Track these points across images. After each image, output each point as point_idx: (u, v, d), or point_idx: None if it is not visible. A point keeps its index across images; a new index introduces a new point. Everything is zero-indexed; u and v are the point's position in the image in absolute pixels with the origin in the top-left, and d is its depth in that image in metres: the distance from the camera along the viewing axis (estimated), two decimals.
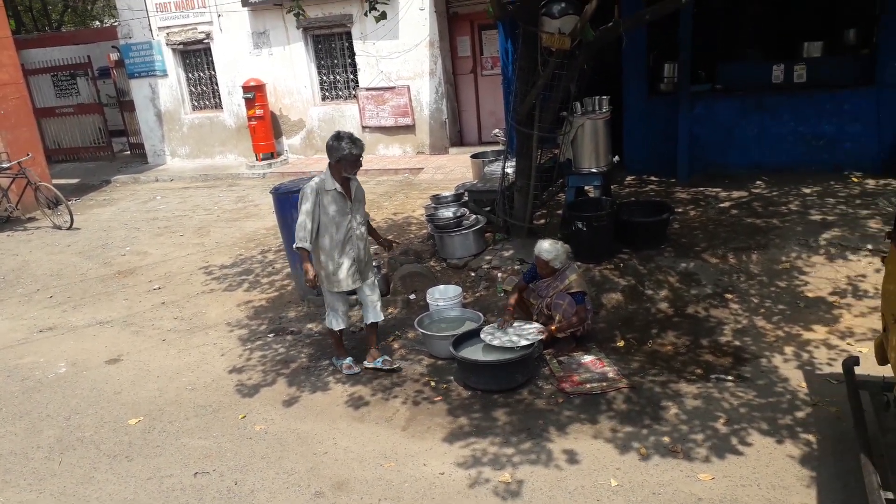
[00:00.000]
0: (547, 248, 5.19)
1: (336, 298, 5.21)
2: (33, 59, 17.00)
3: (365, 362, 5.31)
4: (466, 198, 7.64)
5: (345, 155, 4.81)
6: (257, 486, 4.05)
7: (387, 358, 5.30)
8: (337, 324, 5.26)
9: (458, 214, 7.00)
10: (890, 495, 2.94)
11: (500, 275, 6.42)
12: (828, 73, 8.60)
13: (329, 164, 4.92)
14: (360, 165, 4.97)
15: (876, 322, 5.06)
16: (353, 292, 5.37)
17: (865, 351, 4.67)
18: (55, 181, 12.64)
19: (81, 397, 5.36)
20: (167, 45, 14.56)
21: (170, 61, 14.71)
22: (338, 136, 4.86)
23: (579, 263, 5.85)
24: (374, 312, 5.32)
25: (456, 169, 11.46)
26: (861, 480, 3.14)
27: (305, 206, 4.87)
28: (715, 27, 9.71)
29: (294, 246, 4.94)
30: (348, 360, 5.32)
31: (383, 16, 7.09)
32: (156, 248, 9.20)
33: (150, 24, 14.48)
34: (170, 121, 15.21)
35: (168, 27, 14.39)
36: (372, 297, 5.29)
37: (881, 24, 8.08)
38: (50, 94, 17.38)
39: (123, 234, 10.10)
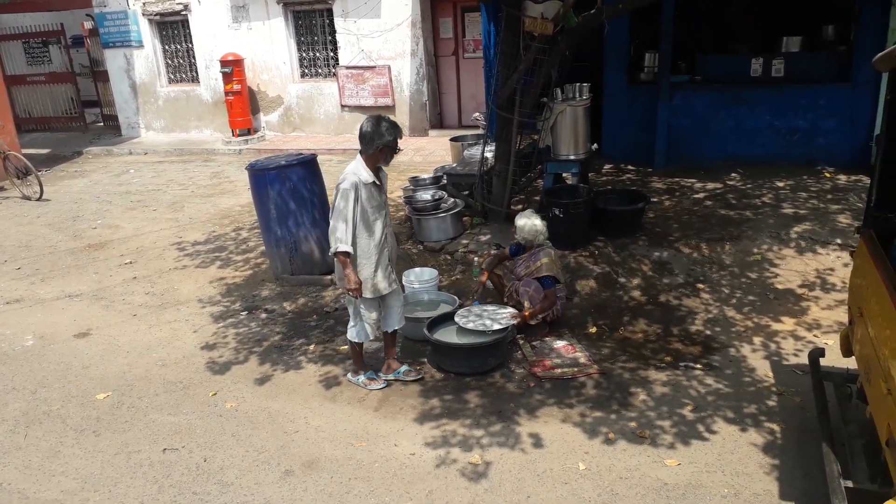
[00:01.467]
0: (520, 223, 5.32)
1: (371, 305, 4.60)
2: (4, 24, 16.53)
3: (381, 373, 4.86)
4: (445, 181, 7.63)
5: (388, 142, 4.31)
6: (226, 463, 4.03)
7: (408, 368, 4.88)
8: (367, 335, 4.69)
9: (437, 197, 6.99)
10: (850, 484, 3.02)
11: (476, 259, 6.43)
12: (805, 69, 8.71)
13: (361, 154, 4.37)
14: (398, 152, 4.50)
15: (842, 315, 5.17)
16: None
17: (831, 343, 4.77)
18: (25, 151, 12.36)
19: (48, 371, 5.29)
20: (143, 15, 14.24)
21: (146, 32, 14.40)
22: (377, 122, 4.33)
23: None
24: (399, 318, 4.82)
25: (435, 151, 11.42)
26: (822, 469, 3.21)
27: (345, 204, 4.26)
28: (697, 19, 9.75)
29: (333, 251, 4.33)
30: (370, 374, 4.82)
31: None
32: (128, 222, 9.06)
33: None
34: (145, 93, 14.93)
35: None
36: (397, 302, 4.79)
37: (859, 23, 8.18)
38: (21, 61, 16.94)
39: (95, 207, 9.93)
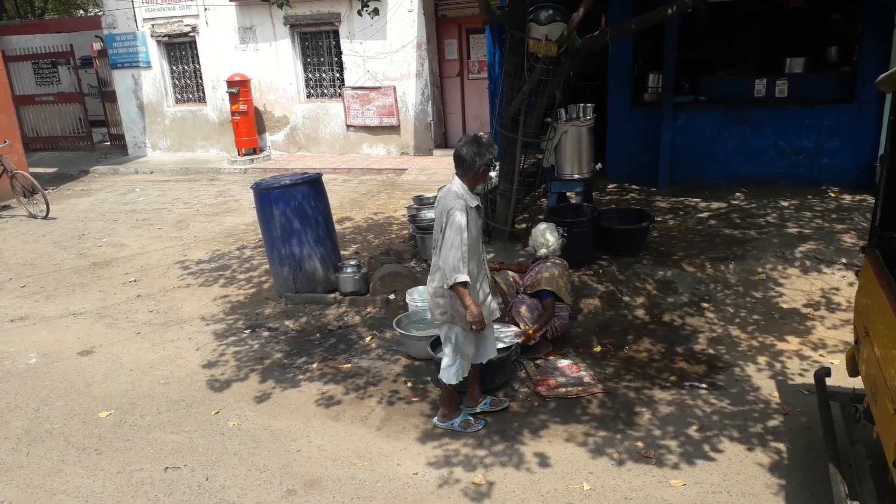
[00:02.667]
0: (532, 232, 5.45)
1: (471, 339, 4.21)
2: (14, 45, 16.76)
3: (464, 406, 4.53)
4: None
5: (488, 161, 4.03)
6: (229, 482, 4.01)
7: (494, 398, 4.61)
8: (464, 374, 4.28)
9: None
10: None
11: None
12: (809, 89, 8.74)
13: (460, 176, 4.07)
14: None
15: (848, 334, 5.14)
16: None
17: (837, 362, 4.73)
18: (32, 170, 12.45)
19: (51, 389, 5.28)
20: (152, 36, 14.42)
21: (154, 53, 14.58)
22: (477, 142, 4.02)
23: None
24: (493, 347, 4.48)
25: (440, 171, 11.46)
26: (829, 490, 3.18)
27: (459, 231, 3.90)
28: (700, 40, 9.83)
29: (451, 283, 3.92)
30: (464, 416, 4.42)
31: (376, 12, 7.09)
32: (133, 241, 9.10)
33: (134, 15, 14.34)
34: (152, 113, 15.07)
35: (153, 19, 14.26)
36: (491, 331, 4.45)
37: (862, 43, 8.22)
38: (30, 81, 17.15)
39: (100, 226, 9.98)
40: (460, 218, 3.91)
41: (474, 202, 4.06)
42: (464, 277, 3.89)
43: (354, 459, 4.14)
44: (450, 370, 4.24)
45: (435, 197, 7.70)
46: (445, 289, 4.03)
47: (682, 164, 9.08)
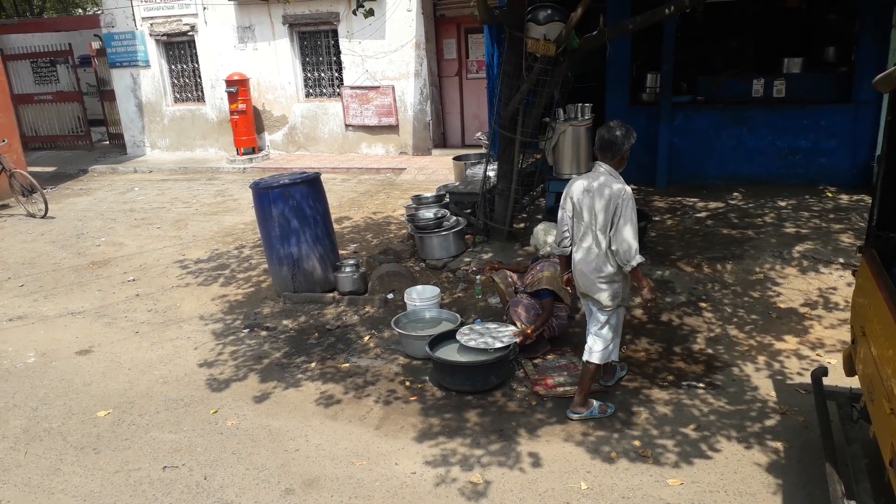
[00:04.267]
0: (535, 231, 5.44)
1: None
2: (13, 44, 16.75)
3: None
4: (447, 199, 7.66)
5: (631, 145, 4.13)
6: (227, 481, 4.01)
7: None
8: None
9: (439, 216, 7.01)
10: None
11: (478, 277, 6.43)
12: (807, 89, 8.76)
13: (607, 161, 4.13)
14: None
15: (845, 334, 5.16)
16: None
17: (834, 362, 4.75)
18: (31, 169, 12.45)
19: (50, 388, 5.28)
20: (150, 35, 14.42)
21: (153, 52, 14.57)
22: (621, 127, 4.11)
23: None
24: None
25: (438, 170, 11.47)
26: (826, 489, 3.19)
27: (633, 214, 4.01)
28: (698, 40, 9.84)
29: (633, 264, 4.01)
30: (598, 402, 4.48)
31: (371, 13, 7.09)
32: (132, 240, 9.10)
33: (133, 14, 14.34)
34: (151, 112, 15.06)
35: (152, 18, 14.26)
36: None
37: (859, 43, 8.24)
38: (29, 80, 17.12)
39: (99, 225, 9.98)
40: (632, 199, 4.02)
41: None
42: (641, 259, 4.03)
43: (352, 458, 4.15)
44: (609, 348, 4.32)
45: (433, 196, 7.75)
46: (620, 272, 4.12)
47: (679, 164, 9.09)
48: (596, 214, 4.09)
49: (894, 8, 7.79)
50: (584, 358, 4.36)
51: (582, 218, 4.17)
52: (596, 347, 4.31)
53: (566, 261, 4.45)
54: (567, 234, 4.31)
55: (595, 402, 4.44)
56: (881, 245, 3.61)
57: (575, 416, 4.39)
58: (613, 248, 4.06)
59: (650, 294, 4.15)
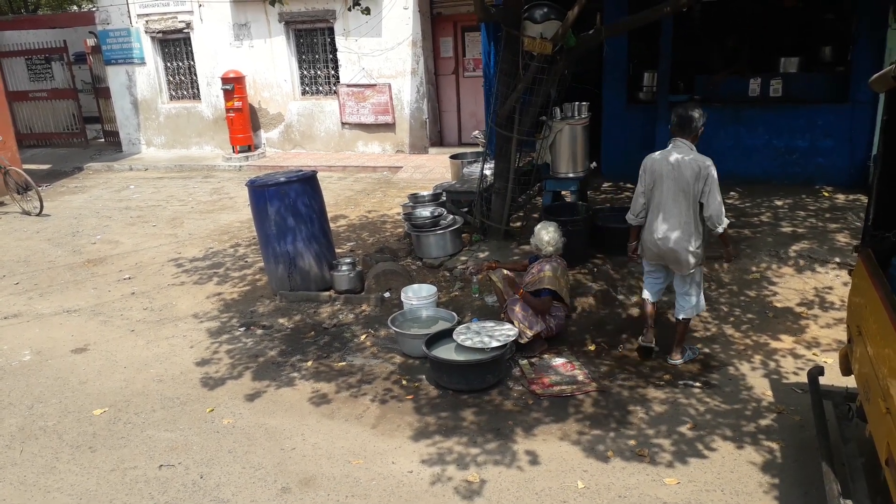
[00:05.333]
0: (535, 230, 5.46)
1: None
2: (7, 41, 16.67)
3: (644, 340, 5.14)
4: (444, 198, 7.65)
5: (705, 122, 4.68)
6: (223, 480, 4.01)
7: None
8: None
9: (436, 214, 7.01)
10: (850, 503, 3.00)
11: (475, 277, 6.42)
12: (803, 89, 8.77)
13: (685, 136, 4.63)
14: None
15: (841, 333, 5.17)
16: None
17: (830, 361, 4.76)
18: (26, 166, 12.39)
19: (45, 386, 5.26)
20: (146, 32, 14.36)
21: (148, 49, 14.52)
22: (697, 107, 4.68)
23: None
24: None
25: (435, 169, 11.46)
26: (822, 488, 3.19)
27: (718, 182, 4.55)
28: (695, 39, 9.83)
29: (724, 226, 4.58)
30: (689, 346, 5.15)
31: (367, 11, 7.07)
32: (127, 238, 9.07)
33: (128, 11, 14.28)
34: (146, 109, 15.01)
35: (147, 15, 14.20)
36: None
37: (856, 43, 8.25)
38: (23, 77, 17.04)
39: (95, 223, 9.95)
40: (715, 171, 4.52)
41: None
42: (727, 221, 4.61)
43: (349, 457, 4.15)
44: (699, 305, 4.95)
45: (430, 194, 7.74)
46: (703, 236, 4.69)
47: None
48: (688, 183, 4.55)
49: (891, 8, 7.80)
50: (678, 316, 5.00)
51: (665, 189, 4.63)
52: (686, 304, 4.92)
53: (637, 231, 4.97)
54: (643, 207, 4.80)
55: (687, 348, 5.10)
56: (877, 244, 3.61)
57: (677, 361, 5.01)
58: (706, 214, 4.56)
59: (734, 251, 5.09)
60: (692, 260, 4.67)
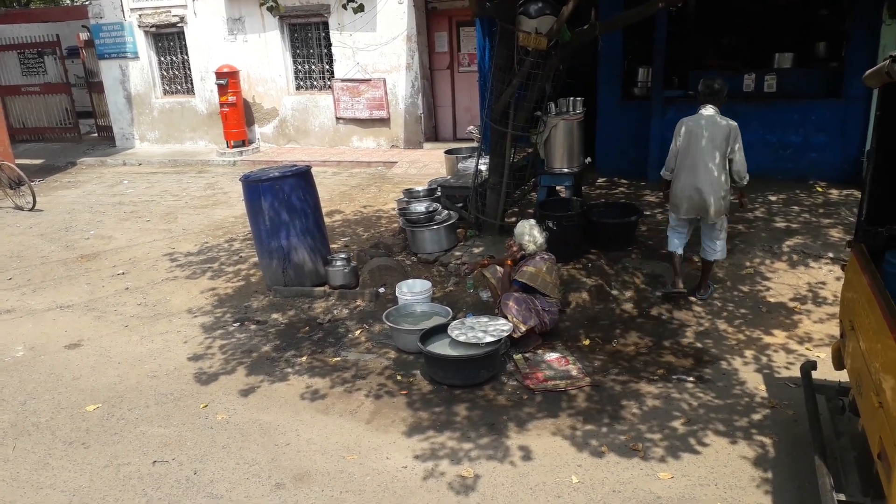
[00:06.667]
0: (517, 229, 5.50)
1: None
2: None
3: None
4: (439, 193, 7.64)
5: (727, 91, 5.58)
6: (217, 475, 4.00)
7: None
8: None
9: (430, 209, 6.99)
10: (843, 497, 3.01)
11: (469, 275, 6.42)
12: (797, 85, 8.77)
13: (713, 103, 5.49)
14: None
15: (834, 328, 5.19)
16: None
17: (823, 356, 4.77)
18: (18, 161, 12.33)
19: (38, 382, 5.25)
20: (139, 26, 14.29)
21: (141, 44, 14.44)
22: (719, 79, 5.55)
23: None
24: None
25: (430, 164, 11.44)
26: (815, 482, 3.21)
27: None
28: (690, 35, 9.83)
29: (748, 178, 5.52)
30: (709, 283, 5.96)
31: (361, 8, 7.05)
32: (121, 233, 9.04)
33: (122, 5, 14.21)
34: (140, 104, 14.94)
35: (141, 9, 14.13)
36: None
37: (850, 39, 8.26)
38: (16, 72, 16.95)
39: (88, 218, 9.90)
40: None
41: None
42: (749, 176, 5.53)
43: (343, 453, 4.15)
44: (724, 250, 5.77)
45: (425, 190, 7.74)
46: (734, 187, 5.58)
47: None
48: (721, 142, 5.35)
49: (885, 4, 7.81)
50: (704, 258, 5.81)
51: (701, 147, 5.39)
52: (716, 248, 5.71)
53: (667, 184, 5.76)
54: (675, 163, 5.60)
55: (710, 284, 5.94)
56: (870, 240, 3.63)
57: (704, 296, 5.84)
58: (735, 168, 5.43)
59: (747, 201, 5.91)
60: (721, 207, 5.46)
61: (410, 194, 7.69)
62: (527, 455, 4.01)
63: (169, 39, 14.48)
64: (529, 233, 5.40)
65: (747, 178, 5.49)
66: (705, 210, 5.45)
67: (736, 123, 5.37)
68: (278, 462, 4.09)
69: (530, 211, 7.62)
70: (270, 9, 6.81)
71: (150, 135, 15.11)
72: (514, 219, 7.47)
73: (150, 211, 10.08)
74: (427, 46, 12.73)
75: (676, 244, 5.77)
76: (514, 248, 5.49)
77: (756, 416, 4.26)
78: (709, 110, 5.45)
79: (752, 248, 6.57)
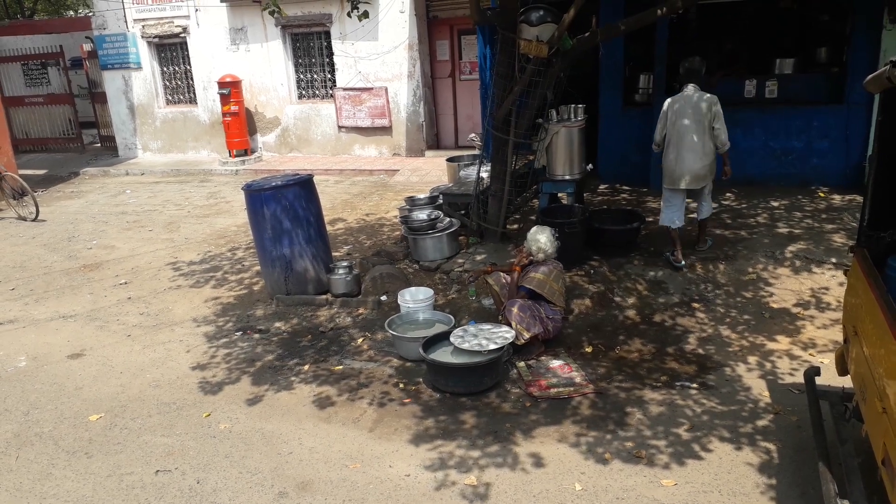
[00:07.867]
0: (529, 235, 5.49)
1: None
2: (3, 46, 16.66)
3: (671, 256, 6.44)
4: (441, 201, 7.65)
5: (706, 71, 6.62)
6: (220, 485, 3.99)
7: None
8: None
9: (432, 217, 7.00)
10: (846, 503, 3.00)
11: (472, 282, 6.42)
12: (799, 90, 8.78)
13: (694, 83, 6.18)
14: None
15: (837, 334, 5.17)
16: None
17: (827, 362, 4.76)
18: (22, 172, 12.37)
19: (41, 392, 5.25)
20: (142, 37, 14.36)
21: (144, 54, 14.51)
22: (697, 58, 6.43)
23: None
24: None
25: (431, 172, 11.46)
26: (819, 488, 3.19)
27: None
28: (691, 41, 9.85)
29: (728, 145, 6.20)
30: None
31: (365, 15, 7.08)
32: (123, 243, 9.06)
33: (125, 16, 14.28)
34: (142, 114, 15.00)
35: (144, 19, 14.20)
36: None
37: (851, 44, 8.27)
38: (20, 82, 17.04)
39: (91, 228, 9.93)
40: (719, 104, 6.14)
41: None
42: (729, 143, 6.24)
43: (346, 461, 4.14)
44: (710, 209, 6.58)
45: (427, 197, 7.75)
46: (716, 155, 6.25)
47: None
48: (703, 115, 6.08)
49: (886, 9, 7.82)
50: (702, 217, 6.59)
51: (687, 122, 6.10)
52: (709, 206, 6.53)
53: (660, 157, 6.45)
54: (660, 137, 6.37)
55: (708, 238, 6.81)
56: (872, 245, 3.62)
57: (703, 248, 6.67)
58: (717, 135, 6.11)
59: (730, 171, 6.44)
60: (709, 173, 6.25)
61: (412, 202, 7.71)
62: (532, 463, 4.00)
63: (172, 50, 14.55)
64: (542, 240, 5.39)
65: (728, 144, 6.17)
66: (703, 177, 6.21)
67: (715, 96, 6.12)
68: (281, 471, 4.08)
69: (532, 218, 7.63)
70: (272, 13, 6.83)
71: (152, 145, 15.16)
72: (516, 226, 7.48)
73: (152, 220, 10.10)
74: (429, 55, 12.77)
75: (676, 219, 6.32)
76: (524, 255, 5.49)
77: (760, 423, 4.24)
78: (690, 90, 6.16)
79: (754, 253, 6.56)
